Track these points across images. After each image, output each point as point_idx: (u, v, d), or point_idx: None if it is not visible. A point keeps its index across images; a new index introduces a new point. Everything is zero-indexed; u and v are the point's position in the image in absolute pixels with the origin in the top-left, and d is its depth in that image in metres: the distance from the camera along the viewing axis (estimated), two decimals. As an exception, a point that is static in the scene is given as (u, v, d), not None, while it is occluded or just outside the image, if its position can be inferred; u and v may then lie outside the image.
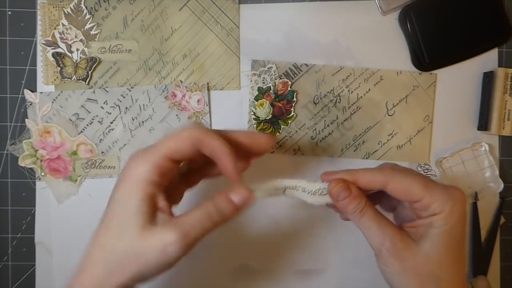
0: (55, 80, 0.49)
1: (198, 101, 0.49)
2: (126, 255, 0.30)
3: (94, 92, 0.49)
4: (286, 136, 0.50)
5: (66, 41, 0.48)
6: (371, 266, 0.51)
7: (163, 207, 0.32)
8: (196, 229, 0.31)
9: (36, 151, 0.49)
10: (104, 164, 0.49)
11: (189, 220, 0.31)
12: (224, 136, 0.34)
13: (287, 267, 0.51)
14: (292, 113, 0.49)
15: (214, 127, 0.50)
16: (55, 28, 0.48)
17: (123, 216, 0.31)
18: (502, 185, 0.49)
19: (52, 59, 0.48)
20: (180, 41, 0.49)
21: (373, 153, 0.50)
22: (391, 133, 0.50)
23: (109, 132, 0.49)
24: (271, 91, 0.49)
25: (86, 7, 0.48)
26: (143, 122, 0.49)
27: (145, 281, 0.32)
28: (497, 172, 0.50)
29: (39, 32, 0.48)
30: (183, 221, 0.31)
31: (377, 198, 0.39)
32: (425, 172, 0.51)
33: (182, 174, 0.38)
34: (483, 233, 0.51)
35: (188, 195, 0.39)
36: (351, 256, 0.51)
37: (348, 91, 0.50)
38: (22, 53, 0.49)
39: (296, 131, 0.50)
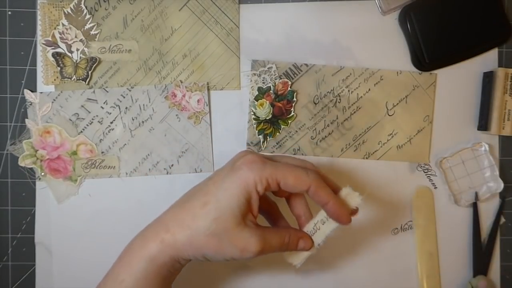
0: (55, 80, 0.49)
1: (198, 101, 0.49)
2: (212, 235, 0.35)
3: (94, 92, 0.49)
4: (286, 136, 0.50)
5: (66, 41, 0.48)
6: (370, 266, 0.52)
7: (254, 213, 0.37)
8: (270, 248, 0.36)
9: (36, 151, 0.49)
10: (104, 164, 0.49)
11: (270, 239, 0.36)
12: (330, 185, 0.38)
13: (287, 267, 0.51)
14: (292, 113, 0.49)
15: (214, 127, 0.50)
16: (55, 28, 0.48)
17: (224, 203, 0.35)
18: (502, 185, 0.49)
19: (52, 59, 0.48)
20: (180, 41, 0.49)
21: (373, 153, 0.50)
22: (391, 133, 0.50)
23: (109, 132, 0.49)
24: (271, 91, 0.49)
25: (86, 7, 0.48)
26: (143, 122, 0.49)
27: (203, 261, 0.37)
28: (497, 172, 0.50)
29: (39, 32, 0.48)
30: (266, 236, 0.36)
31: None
32: (425, 172, 0.51)
33: None
34: (483, 233, 0.51)
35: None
36: (350, 257, 0.51)
37: (348, 91, 0.50)
38: (22, 53, 0.49)
39: (296, 131, 0.50)
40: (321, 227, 0.38)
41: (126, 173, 0.50)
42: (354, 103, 0.50)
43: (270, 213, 0.42)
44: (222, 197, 0.35)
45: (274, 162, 0.37)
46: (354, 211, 0.39)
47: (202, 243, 0.35)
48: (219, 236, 0.35)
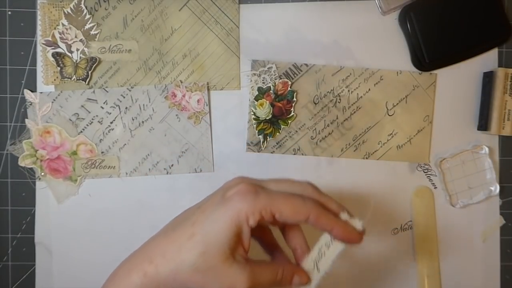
0: (55, 80, 0.49)
1: (198, 101, 0.49)
2: (198, 270, 0.32)
3: (94, 92, 0.49)
4: (286, 136, 0.50)
5: (66, 41, 0.48)
6: (370, 266, 0.51)
7: (245, 247, 0.34)
8: (261, 285, 0.34)
9: (36, 151, 0.49)
10: (104, 164, 0.49)
11: (260, 275, 0.34)
12: (329, 210, 0.35)
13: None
14: (292, 113, 0.49)
15: (214, 127, 0.50)
16: (55, 28, 0.48)
17: (212, 236, 0.32)
18: (498, 189, 0.50)
19: (52, 59, 0.48)
20: (180, 41, 0.49)
21: (373, 153, 0.50)
22: (391, 133, 0.50)
23: (109, 132, 0.49)
24: (271, 91, 0.49)
25: (86, 7, 0.48)
26: (143, 122, 0.49)
27: None
28: (495, 176, 0.50)
29: (39, 32, 0.48)
30: (256, 271, 0.33)
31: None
32: (425, 172, 0.51)
33: None
34: (483, 234, 0.51)
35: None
36: (350, 256, 0.51)
37: (348, 91, 0.50)
38: (22, 53, 0.49)
39: (296, 131, 0.50)
40: (326, 252, 0.36)
41: (126, 173, 0.50)
42: (354, 103, 0.50)
43: (264, 241, 0.39)
44: (210, 230, 0.32)
45: (268, 191, 0.34)
46: (361, 232, 0.36)
47: (186, 278, 0.32)
48: (205, 272, 0.32)
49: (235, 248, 0.33)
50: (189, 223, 0.34)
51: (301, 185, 0.36)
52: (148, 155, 0.50)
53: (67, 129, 0.49)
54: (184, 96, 0.49)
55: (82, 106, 0.49)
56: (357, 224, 0.34)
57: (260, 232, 0.38)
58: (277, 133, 0.50)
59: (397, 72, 0.50)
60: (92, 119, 0.49)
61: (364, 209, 0.51)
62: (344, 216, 0.35)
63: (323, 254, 0.36)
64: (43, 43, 0.48)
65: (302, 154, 0.50)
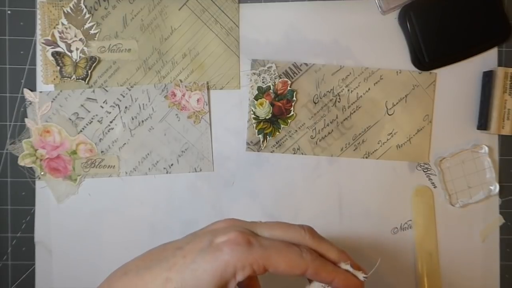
0: (54, 79, 0.49)
1: (197, 100, 0.49)
2: None
3: (93, 91, 0.49)
4: (285, 135, 0.50)
5: (66, 40, 0.48)
6: (370, 266, 0.51)
7: None
8: None
9: (36, 150, 0.49)
10: (104, 164, 0.49)
11: None
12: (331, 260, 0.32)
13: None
14: (292, 113, 0.49)
15: (214, 126, 0.50)
16: (54, 28, 0.48)
17: (190, 286, 0.29)
18: (498, 187, 0.50)
19: (51, 58, 0.48)
20: (180, 41, 0.49)
21: (373, 152, 0.50)
22: (391, 133, 0.50)
23: (108, 131, 0.49)
24: (270, 91, 0.49)
25: (85, 7, 0.48)
26: (142, 121, 0.49)
27: None
28: (495, 175, 0.50)
29: (38, 32, 0.48)
30: None
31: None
32: (424, 172, 0.51)
33: None
34: (483, 233, 0.51)
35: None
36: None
37: (348, 90, 0.50)
38: (22, 52, 0.49)
39: (296, 131, 0.50)
40: None
41: (126, 173, 0.50)
42: (353, 102, 0.50)
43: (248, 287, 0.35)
44: (189, 279, 0.28)
45: (262, 241, 0.30)
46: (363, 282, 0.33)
47: None
48: None
49: None
50: (166, 266, 0.29)
51: (297, 230, 0.32)
52: (148, 154, 0.50)
53: (66, 129, 0.49)
54: (183, 95, 0.49)
55: (82, 105, 0.49)
56: (359, 275, 0.32)
57: (246, 280, 0.34)
58: (277, 133, 0.50)
59: (397, 72, 0.50)
60: (92, 119, 0.49)
61: (363, 206, 0.51)
62: (345, 266, 0.32)
63: None
64: (42, 43, 0.48)
65: (302, 154, 0.50)
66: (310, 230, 0.33)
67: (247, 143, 0.50)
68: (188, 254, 0.29)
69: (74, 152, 0.49)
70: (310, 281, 0.33)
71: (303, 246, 0.31)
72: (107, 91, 0.49)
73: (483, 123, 0.49)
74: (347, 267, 0.32)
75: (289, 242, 0.31)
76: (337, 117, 0.50)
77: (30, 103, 0.49)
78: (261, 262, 0.29)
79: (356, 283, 0.32)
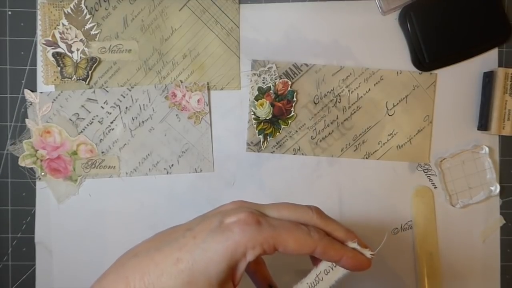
0: (55, 80, 0.49)
1: (198, 101, 0.49)
2: None
3: (94, 92, 0.49)
4: (286, 136, 0.50)
5: (66, 41, 0.48)
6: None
7: (236, 282, 0.31)
8: None
9: (36, 151, 0.49)
10: (104, 164, 0.49)
11: None
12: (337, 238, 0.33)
13: (287, 267, 0.51)
14: (292, 113, 0.49)
15: (214, 127, 0.50)
16: (55, 28, 0.48)
17: (201, 266, 0.29)
18: (498, 188, 0.50)
19: (52, 59, 0.48)
20: (180, 41, 0.49)
21: (373, 153, 0.50)
22: (391, 133, 0.50)
23: (109, 132, 0.49)
24: (271, 91, 0.49)
25: (86, 7, 0.48)
26: (143, 122, 0.49)
27: None
28: (495, 176, 0.50)
29: (39, 32, 0.48)
30: None
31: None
32: (425, 172, 0.51)
33: None
34: (483, 234, 0.51)
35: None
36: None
37: (348, 91, 0.50)
38: (22, 53, 0.49)
39: (296, 131, 0.50)
40: (324, 277, 0.33)
41: (126, 173, 0.50)
42: (354, 103, 0.50)
43: (256, 275, 0.36)
44: (200, 259, 0.29)
45: (271, 221, 0.31)
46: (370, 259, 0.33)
47: None
48: None
49: (225, 282, 0.29)
50: (177, 246, 0.30)
51: (304, 211, 0.32)
52: (148, 155, 0.50)
53: (67, 129, 0.49)
54: (184, 96, 0.49)
55: (82, 106, 0.49)
56: (366, 252, 0.32)
57: (254, 264, 0.35)
58: (277, 133, 0.50)
59: (397, 72, 0.50)
60: (92, 119, 0.49)
61: (362, 206, 0.51)
62: (352, 244, 0.32)
63: (320, 280, 0.33)
64: (43, 43, 0.48)
65: (302, 154, 0.50)
66: (317, 210, 0.33)
67: (248, 144, 0.50)
68: (198, 234, 0.30)
69: (75, 153, 0.49)
70: (316, 264, 0.34)
71: (311, 226, 0.31)
72: (107, 91, 0.49)
73: (483, 124, 0.49)
74: (355, 245, 0.32)
75: (297, 221, 0.31)
76: (337, 118, 0.50)
77: (31, 104, 0.49)
78: (271, 241, 0.29)
79: (363, 261, 0.32)
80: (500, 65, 0.50)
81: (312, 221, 0.32)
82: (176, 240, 0.30)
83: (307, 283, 0.33)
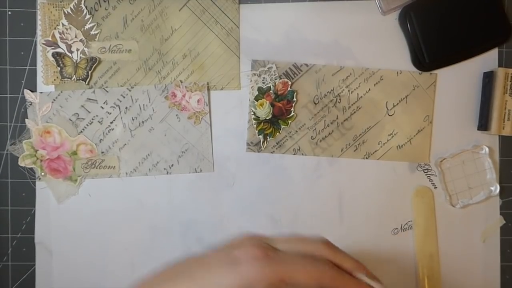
0: (55, 80, 0.49)
1: (198, 101, 0.49)
2: None
3: (94, 92, 0.49)
4: (286, 136, 0.50)
5: (66, 41, 0.48)
6: (370, 266, 0.51)
7: None
8: None
9: (36, 151, 0.49)
10: (104, 164, 0.49)
11: None
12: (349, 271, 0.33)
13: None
14: (292, 113, 0.49)
15: (214, 127, 0.50)
16: (55, 28, 0.48)
17: None
18: (498, 188, 0.50)
19: (52, 59, 0.48)
20: (180, 41, 0.49)
21: (373, 153, 0.50)
22: (391, 133, 0.50)
23: (109, 132, 0.49)
24: (271, 91, 0.49)
25: (86, 7, 0.48)
26: (143, 122, 0.49)
27: None
28: (495, 176, 0.50)
29: (39, 32, 0.48)
30: None
31: None
32: (425, 172, 0.51)
33: None
34: (483, 234, 0.51)
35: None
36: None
37: (348, 91, 0.50)
38: (22, 53, 0.49)
39: (296, 131, 0.50)
40: None
41: (126, 173, 0.50)
42: (354, 103, 0.50)
43: None
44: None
45: (279, 254, 0.31)
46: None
47: None
48: None
49: None
50: (188, 279, 0.31)
51: (313, 242, 0.33)
52: (148, 155, 0.50)
53: (67, 129, 0.49)
54: (184, 96, 0.49)
55: (82, 106, 0.49)
56: (374, 284, 0.33)
57: None
58: (277, 133, 0.50)
59: (397, 72, 0.50)
60: (92, 119, 0.49)
61: (362, 206, 0.51)
62: (360, 275, 0.33)
63: None
64: (43, 43, 0.48)
65: (302, 154, 0.50)
66: (326, 242, 0.34)
67: (248, 144, 0.50)
68: (212, 268, 0.31)
69: (75, 153, 0.49)
70: None
71: (319, 257, 0.32)
72: (107, 91, 0.49)
73: (483, 124, 0.49)
74: (363, 277, 0.33)
75: (305, 254, 0.32)
76: (337, 118, 0.50)
77: (31, 104, 0.49)
78: (280, 275, 0.30)
79: None
80: (500, 65, 0.50)
81: (320, 252, 0.33)
82: (189, 272, 0.31)
83: None
